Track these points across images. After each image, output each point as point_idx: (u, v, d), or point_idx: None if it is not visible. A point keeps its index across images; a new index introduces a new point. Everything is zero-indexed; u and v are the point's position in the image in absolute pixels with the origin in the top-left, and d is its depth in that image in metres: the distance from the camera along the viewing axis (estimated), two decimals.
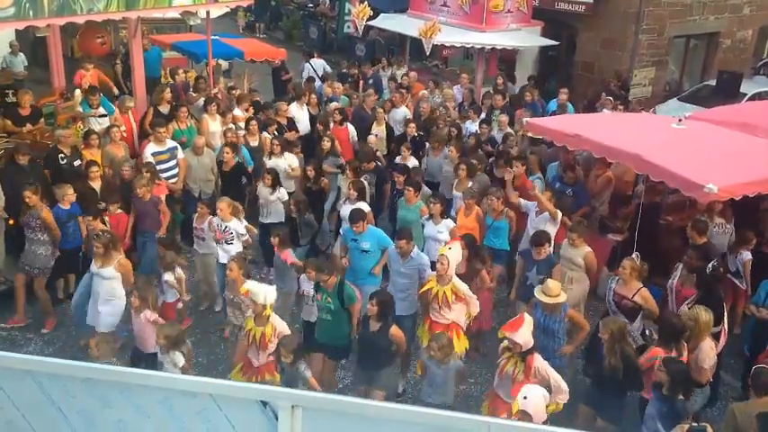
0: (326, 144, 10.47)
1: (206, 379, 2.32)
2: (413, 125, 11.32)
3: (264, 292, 6.25)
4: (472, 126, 11.96)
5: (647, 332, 8.22)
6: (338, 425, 2.13)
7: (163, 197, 9.02)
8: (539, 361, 5.88)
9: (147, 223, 8.65)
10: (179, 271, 7.68)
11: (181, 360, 6.23)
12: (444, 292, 6.84)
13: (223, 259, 8.14)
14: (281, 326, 6.43)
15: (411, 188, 8.75)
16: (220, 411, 2.22)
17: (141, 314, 6.74)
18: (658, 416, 5.63)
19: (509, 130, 11.62)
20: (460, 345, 6.96)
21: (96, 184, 8.96)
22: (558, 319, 6.72)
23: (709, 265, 7.36)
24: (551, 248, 7.90)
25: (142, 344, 6.81)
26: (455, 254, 6.88)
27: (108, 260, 7.18)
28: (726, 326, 7.06)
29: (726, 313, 7.12)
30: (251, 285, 6.41)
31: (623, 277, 7.16)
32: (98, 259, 7.20)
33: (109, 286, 7.18)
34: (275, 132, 10.92)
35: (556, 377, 5.88)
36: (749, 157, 8.32)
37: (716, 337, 6.77)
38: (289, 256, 7.81)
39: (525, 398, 5.08)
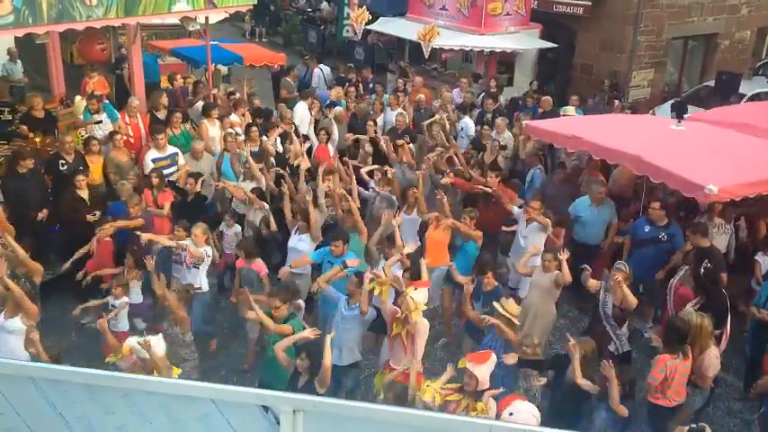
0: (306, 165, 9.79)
1: (207, 384, 2.32)
2: (387, 138, 10.89)
3: (156, 346, 5.76)
4: (468, 125, 11.98)
5: (645, 335, 8.21)
6: (340, 429, 2.13)
7: (168, 205, 8.99)
8: (492, 405, 5.47)
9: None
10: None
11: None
12: (402, 335, 6.32)
13: (190, 279, 7.73)
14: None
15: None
16: (222, 416, 2.22)
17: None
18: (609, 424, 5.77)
19: (507, 133, 11.61)
20: (430, 391, 5.96)
21: (84, 194, 8.79)
22: (504, 344, 6.42)
23: (702, 268, 7.33)
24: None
25: None
26: (421, 296, 6.26)
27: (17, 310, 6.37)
28: (728, 329, 7.04)
29: (729, 315, 7.11)
30: (131, 344, 5.82)
31: (615, 288, 6.97)
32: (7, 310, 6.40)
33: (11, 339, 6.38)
34: (278, 138, 10.91)
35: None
36: (749, 158, 8.32)
37: (718, 339, 6.77)
38: (261, 266, 7.56)
39: (511, 414, 4.93)
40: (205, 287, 7.84)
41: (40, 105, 10.33)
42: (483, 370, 5.49)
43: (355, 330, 6.72)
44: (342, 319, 6.71)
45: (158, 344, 5.81)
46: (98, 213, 8.72)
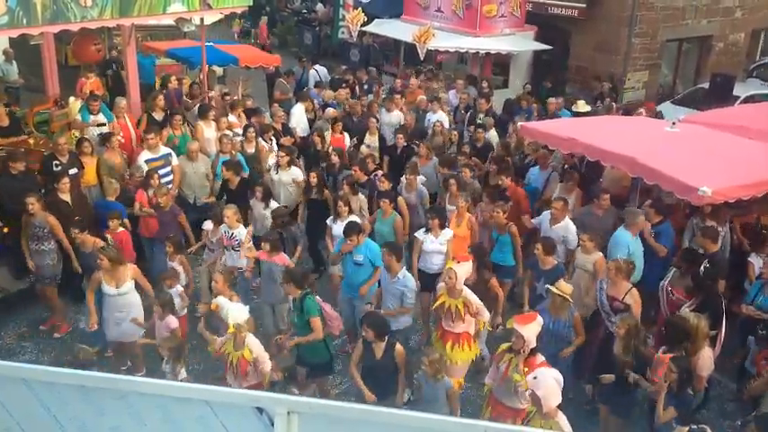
0: (336, 158, 10.21)
1: (202, 385, 2.32)
2: (401, 135, 11.17)
3: (229, 310, 6.02)
4: (434, 116, 12.22)
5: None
6: (335, 431, 2.13)
7: None
8: (540, 362, 5.84)
9: (162, 232, 8.61)
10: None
11: (183, 374, 6.26)
12: (456, 306, 6.73)
13: (230, 262, 8.16)
14: (257, 350, 6.13)
15: (387, 200, 8.57)
16: (216, 418, 2.21)
17: (164, 321, 6.84)
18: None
19: (493, 132, 11.76)
20: (469, 354, 6.90)
21: (66, 197, 8.71)
22: (566, 323, 6.72)
23: (702, 267, 7.36)
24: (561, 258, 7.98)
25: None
26: (464, 269, 6.72)
27: (118, 276, 7.10)
28: (723, 330, 7.06)
29: (724, 317, 7.12)
30: (221, 301, 6.23)
31: (610, 278, 7.17)
32: (108, 278, 7.09)
33: (128, 300, 7.17)
34: (272, 138, 10.91)
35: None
36: (742, 160, 8.35)
37: (713, 341, 6.78)
38: (284, 259, 7.69)
39: (535, 378, 5.07)
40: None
41: (2, 115, 10.13)
42: (529, 330, 5.80)
43: (395, 301, 7.21)
44: (385, 291, 7.30)
45: (240, 310, 6.06)
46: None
